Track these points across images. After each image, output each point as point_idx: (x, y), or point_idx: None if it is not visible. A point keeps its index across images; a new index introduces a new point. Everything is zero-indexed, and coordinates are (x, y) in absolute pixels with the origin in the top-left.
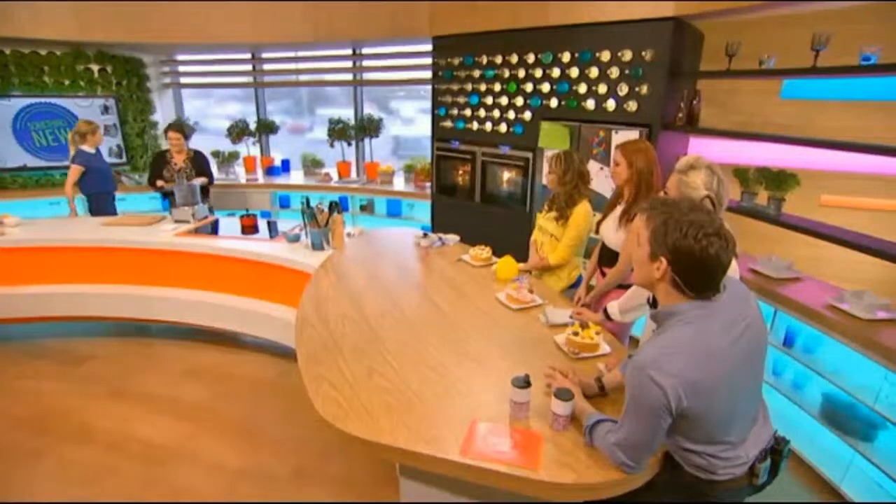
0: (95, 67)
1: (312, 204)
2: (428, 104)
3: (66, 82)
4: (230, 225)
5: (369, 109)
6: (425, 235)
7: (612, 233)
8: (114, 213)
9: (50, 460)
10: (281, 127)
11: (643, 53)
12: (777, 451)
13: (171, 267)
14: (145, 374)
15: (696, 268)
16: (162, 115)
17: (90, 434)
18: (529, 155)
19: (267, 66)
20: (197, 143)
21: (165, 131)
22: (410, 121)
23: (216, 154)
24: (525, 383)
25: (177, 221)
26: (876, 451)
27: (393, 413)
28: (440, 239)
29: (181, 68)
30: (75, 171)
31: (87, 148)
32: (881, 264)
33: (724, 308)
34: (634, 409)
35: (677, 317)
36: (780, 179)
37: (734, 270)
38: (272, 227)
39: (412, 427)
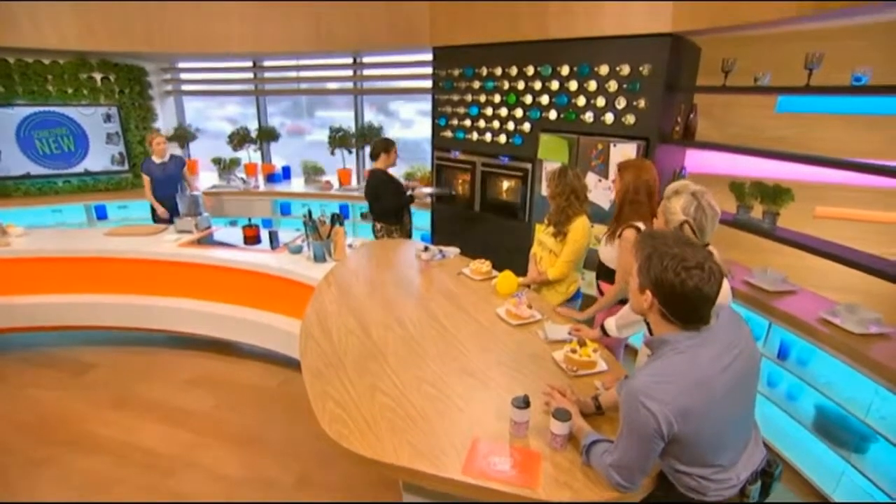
0: (98, 76)
1: (314, 215)
2: (428, 106)
3: (70, 91)
4: (232, 233)
5: (369, 112)
6: (426, 248)
7: (601, 247)
8: (176, 211)
9: (53, 468)
10: (280, 128)
11: (641, 68)
12: (768, 474)
13: (174, 277)
14: (148, 383)
15: (677, 300)
16: (163, 122)
17: (94, 443)
18: (528, 166)
19: (268, 74)
20: (197, 146)
21: (388, 147)
22: (410, 123)
23: (217, 161)
24: (524, 403)
25: (179, 232)
26: (867, 463)
27: (396, 430)
28: (441, 252)
29: (183, 76)
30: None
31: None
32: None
33: (716, 336)
34: (628, 433)
35: (669, 346)
36: (775, 194)
37: (725, 296)
38: (273, 238)
39: (415, 444)
